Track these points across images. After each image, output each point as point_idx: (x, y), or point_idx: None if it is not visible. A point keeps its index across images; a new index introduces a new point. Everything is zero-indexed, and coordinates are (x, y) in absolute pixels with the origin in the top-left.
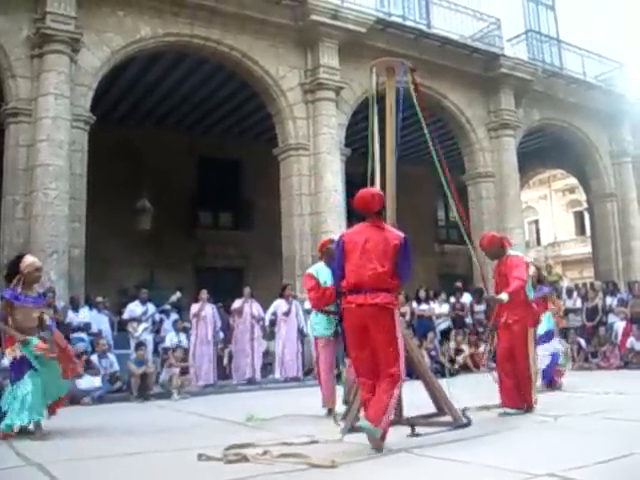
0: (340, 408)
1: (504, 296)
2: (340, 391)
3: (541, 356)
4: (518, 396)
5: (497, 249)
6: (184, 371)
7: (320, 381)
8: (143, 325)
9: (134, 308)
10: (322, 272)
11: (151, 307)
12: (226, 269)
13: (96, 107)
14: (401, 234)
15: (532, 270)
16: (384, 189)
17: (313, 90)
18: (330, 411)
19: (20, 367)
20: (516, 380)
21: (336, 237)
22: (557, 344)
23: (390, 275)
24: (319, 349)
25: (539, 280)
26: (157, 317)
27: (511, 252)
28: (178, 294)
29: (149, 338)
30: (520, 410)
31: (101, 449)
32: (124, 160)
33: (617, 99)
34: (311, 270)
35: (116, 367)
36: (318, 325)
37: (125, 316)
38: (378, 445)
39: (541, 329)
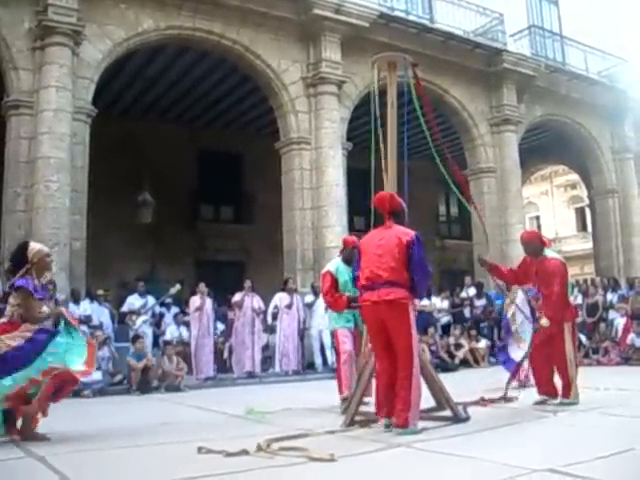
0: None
1: (544, 322)
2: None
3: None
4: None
5: (536, 245)
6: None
7: (339, 372)
8: (142, 318)
9: (133, 301)
10: (342, 271)
11: (150, 300)
12: (227, 263)
13: (98, 100)
14: (412, 232)
15: None
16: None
17: (315, 84)
18: (345, 399)
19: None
20: (551, 370)
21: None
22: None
23: (402, 271)
24: (340, 340)
25: None
26: (157, 310)
27: (549, 253)
28: (178, 286)
29: (148, 331)
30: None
31: (102, 442)
32: (125, 153)
33: (619, 95)
34: (331, 268)
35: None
36: (340, 317)
37: (124, 309)
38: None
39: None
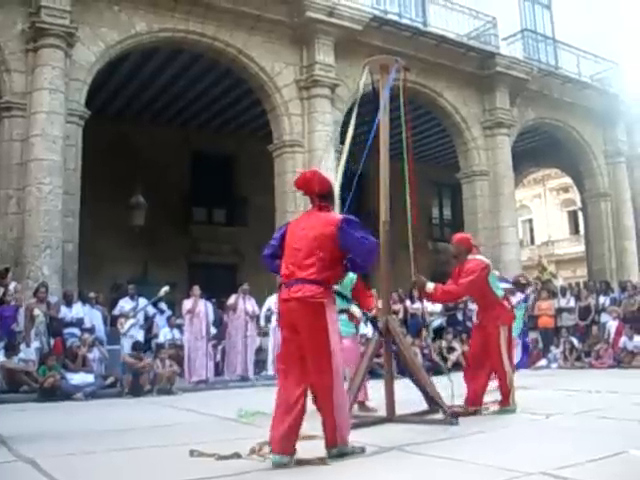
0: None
1: (430, 285)
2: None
3: None
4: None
5: (461, 250)
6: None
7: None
8: (130, 321)
9: (124, 304)
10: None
11: (141, 302)
12: (219, 265)
13: (91, 102)
14: (338, 217)
15: (496, 273)
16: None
17: (308, 87)
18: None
19: None
20: (488, 379)
21: None
22: None
23: (325, 266)
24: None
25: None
26: (150, 312)
27: (472, 256)
28: (166, 288)
29: (138, 334)
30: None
31: (93, 444)
32: (118, 155)
33: (612, 99)
34: None
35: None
36: (343, 325)
37: (115, 312)
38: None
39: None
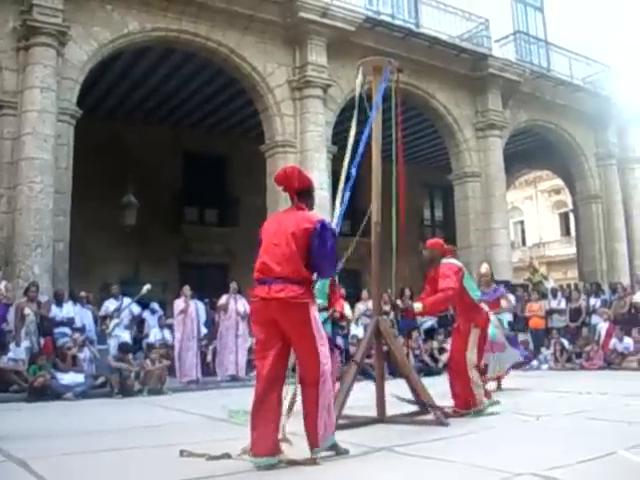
0: None
1: (417, 305)
2: None
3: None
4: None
5: (435, 255)
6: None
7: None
8: (114, 321)
9: (108, 305)
10: None
11: (126, 302)
12: (211, 265)
13: (83, 101)
14: (318, 218)
15: (484, 267)
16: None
17: (301, 87)
18: None
19: None
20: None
21: None
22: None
23: (299, 265)
24: None
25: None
26: (135, 312)
27: (446, 260)
28: (148, 286)
29: (124, 334)
30: (468, 412)
31: (83, 445)
32: (110, 154)
33: (604, 102)
34: None
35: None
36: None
37: (101, 313)
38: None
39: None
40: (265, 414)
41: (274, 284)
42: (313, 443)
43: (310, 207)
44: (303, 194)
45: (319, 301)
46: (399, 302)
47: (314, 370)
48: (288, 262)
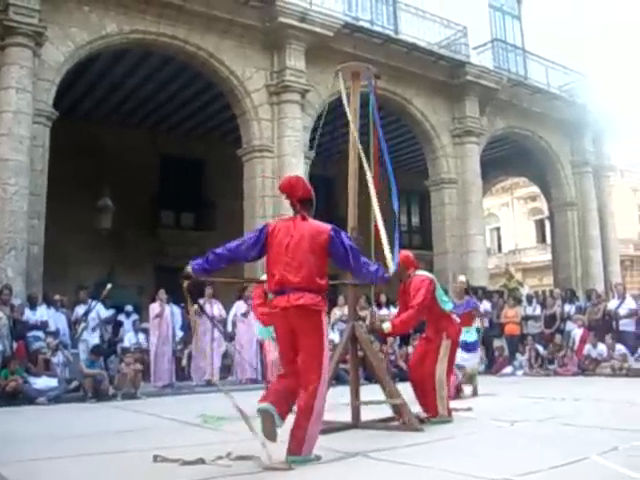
0: None
1: (386, 325)
2: None
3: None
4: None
5: (402, 269)
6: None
7: (266, 380)
8: (82, 325)
9: (78, 309)
10: None
11: (93, 304)
12: None
13: (59, 103)
14: (327, 226)
15: (462, 278)
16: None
17: (279, 92)
18: None
19: None
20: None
21: None
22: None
23: (318, 274)
24: (267, 350)
25: (467, 292)
26: (102, 314)
27: (418, 272)
28: (108, 286)
29: (89, 338)
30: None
31: (55, 450)
32: (86, 157)
33: (580, 110)
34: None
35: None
36: (266, 329)
37: (73, 318)
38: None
39: (469, 337)
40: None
41: (292, 293)
42: (295, 449)
43: (311, 215)
44: (306, 203)
45: None
46: (369, 319)
47: (315, 376)
48: (305, 273)
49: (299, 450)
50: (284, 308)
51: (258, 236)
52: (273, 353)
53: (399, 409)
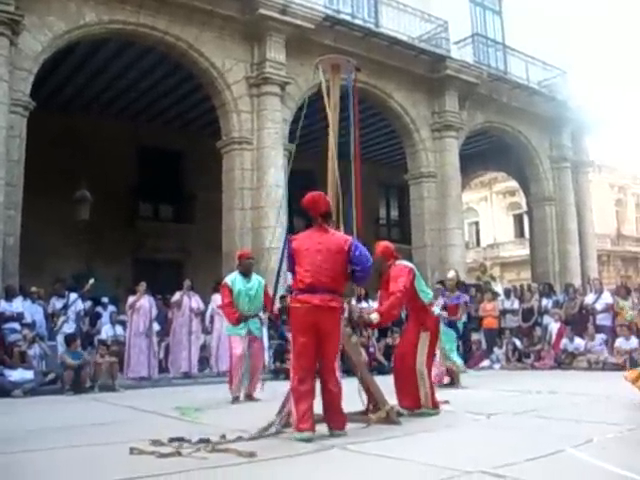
0: None
1: (374, 316)
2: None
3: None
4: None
5: (385, 258)
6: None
7: (230, 373)
8: (62, 318)
9: (55, 302)
10: (238, 282)
11: (72, 298)
12: (165, 262)
13: (37, 92)
14: (347, 237)
15: (451, 273)
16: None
17: (258, 84)
18: (236, 399)
19: None
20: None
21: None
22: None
23: (341, 279)
24: (232, 345)
25: (457, 285)
26: (80, 306)
27: (398, 262)
28: (91, 281)
29: (68, 330)
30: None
31: (31, 443)
32: (64, 147)
33: (559, 105)
34: (228, 280)
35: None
36: (232, 326)
37: (49, 310)
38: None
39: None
40: (306, 397)
41: (323, 294)
42: (342, 426)
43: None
44: (326, 216)
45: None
46: (356, 314)
47: (336, 365)
48: (335, 277)
49: (344, 426)
50: (317, 306)
51: (291, 254)
52: (238, 349)
53: (376, 402)
